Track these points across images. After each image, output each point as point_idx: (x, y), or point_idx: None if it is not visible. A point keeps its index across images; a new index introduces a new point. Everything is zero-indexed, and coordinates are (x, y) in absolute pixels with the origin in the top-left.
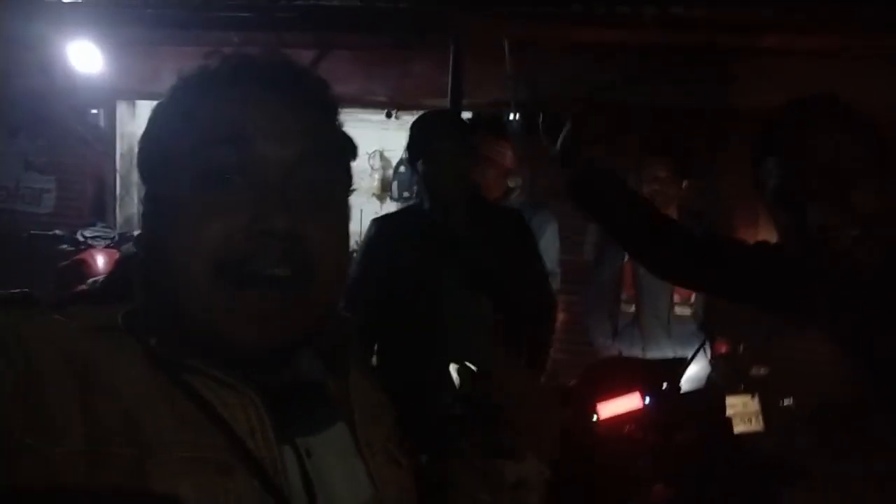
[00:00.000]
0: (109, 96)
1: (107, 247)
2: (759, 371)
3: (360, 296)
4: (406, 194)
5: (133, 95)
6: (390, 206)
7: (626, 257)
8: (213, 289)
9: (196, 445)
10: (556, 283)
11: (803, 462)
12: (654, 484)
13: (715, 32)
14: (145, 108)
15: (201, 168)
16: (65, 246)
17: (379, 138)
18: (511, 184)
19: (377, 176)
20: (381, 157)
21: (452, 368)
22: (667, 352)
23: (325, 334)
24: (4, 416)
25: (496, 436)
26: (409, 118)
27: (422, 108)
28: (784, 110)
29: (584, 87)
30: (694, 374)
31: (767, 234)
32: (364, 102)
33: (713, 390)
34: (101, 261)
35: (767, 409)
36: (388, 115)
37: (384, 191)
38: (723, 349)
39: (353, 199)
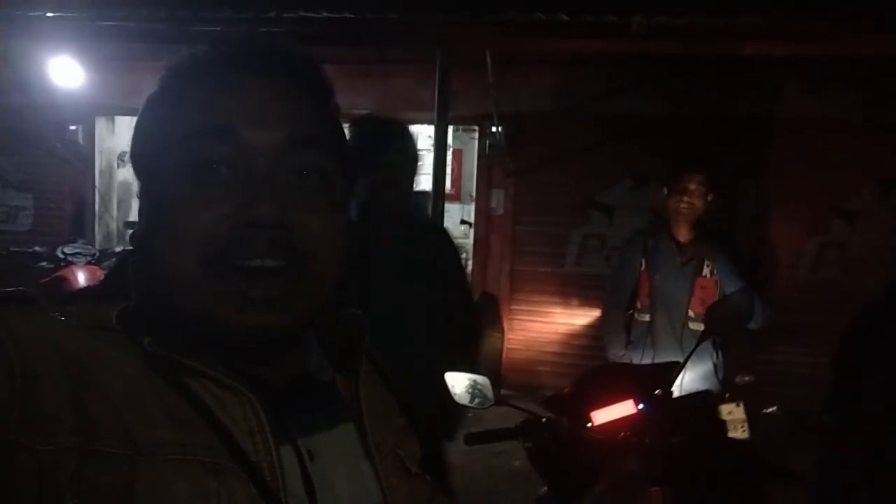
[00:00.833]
0: (89, 112)
1: (87, 263)
2: (744, 379)
3: None
4: None
5: (113, 111)
6: None
7: (643, 265)
8: (204, 280)
9: (189, 446)
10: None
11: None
12: (652, 485)
13: (701, 41)
14: (124, 123)
15: (188, 159)
16: (44, 263)
17: None
18: None
19: None
20: None
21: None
22: None
23: (334, 330)
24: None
25: None
26: None
27: (405, 123)
28: None
29: (567, 99)
30: (698, 377)
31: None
32: (347, 116)
33: (705, 394)
34: (81, 277)
35: (753, 418)
36: None
37: None
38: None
39: None
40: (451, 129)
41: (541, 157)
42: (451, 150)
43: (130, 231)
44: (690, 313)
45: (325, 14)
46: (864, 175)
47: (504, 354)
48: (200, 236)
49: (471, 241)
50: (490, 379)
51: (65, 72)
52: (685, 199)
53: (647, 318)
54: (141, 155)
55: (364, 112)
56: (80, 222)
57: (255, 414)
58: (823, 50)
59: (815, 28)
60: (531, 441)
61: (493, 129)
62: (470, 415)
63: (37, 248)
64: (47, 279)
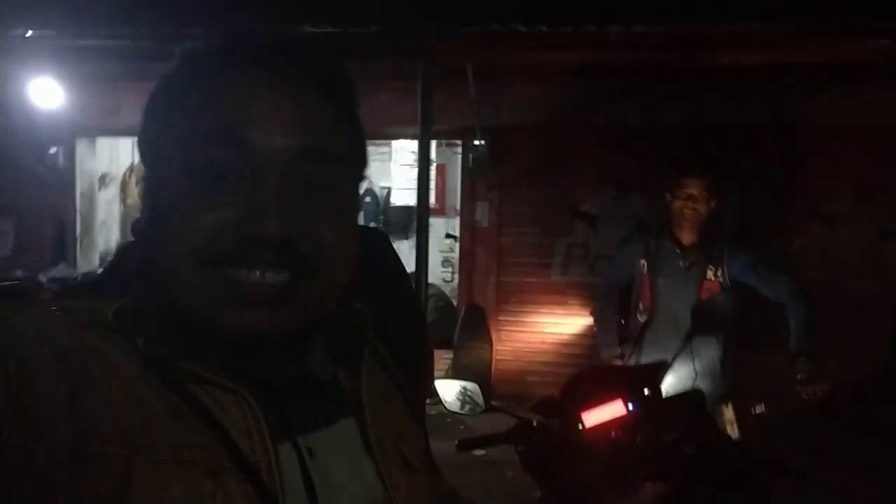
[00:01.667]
0: (69, 133)
1: None
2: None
3: None
4: (373, 224)
5: (94, 132)
6: None
7: (645, 267)
8: (203, 282)
9: (185, 446)
10: None
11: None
12: (645, 482)
13: (680, 49)
14: (105, 145)
15: (193, 160)
16: None
17: None
18: None
19: None
20: None
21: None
22: None
23: (335, 325)
24: None
25: None
26: (373, 148)
27: (388, 138)
28: None
29: (549, 111)
30: (704, 375)
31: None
32: None
33: (694, 392)
34: None
35: (741, 417)
36: None
37: None
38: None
39: None
40: (434, 144)
41: (523, 168)
42: (435, 164)
43: (133, 221)
44: None
45: (308, 28)
46: (842, 180)
47: (493, 365)
48: (200, 240)
49: (456, 254)
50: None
51: (45, 93)
52: (687, 205)
53: (646, 319)
54: (148, 142)
55: None
56: (61, 246)
57: (253, 414)
58: (800, 58)
59: (792, 36)
60: (523, 445)
61: (476, 141)
62: (462, 427)
63: (18, 273)
64: None
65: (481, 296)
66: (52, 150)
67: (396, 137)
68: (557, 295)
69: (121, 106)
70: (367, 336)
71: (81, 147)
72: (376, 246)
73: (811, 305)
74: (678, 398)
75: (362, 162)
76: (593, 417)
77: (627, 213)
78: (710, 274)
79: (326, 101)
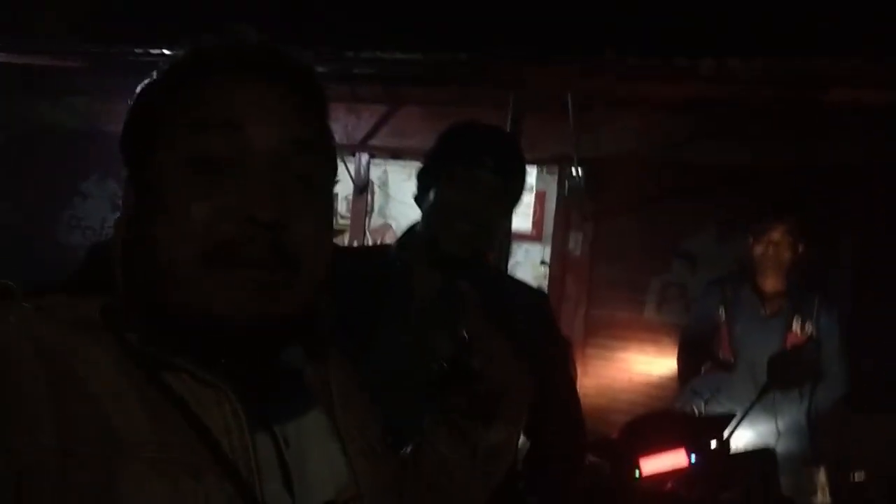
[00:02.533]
0: None
1: None
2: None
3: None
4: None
5: None
6: None
7: (723, 316)
8: (201, 271)
9: (167, 446)
10: None
11: None
12: None
13: (776, 85)
14: None
15: (189, 153)
16: None
17: None
18: None
19: None
20: None
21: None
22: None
23: (306, 318)
24: None
25: (474, 398)
26: None
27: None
28: None
29: (649, 144)
30: (786, 432)
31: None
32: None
33: (763, 451)
34: None
35: (837, 484)
36: None
37: None
38: None
39: None
40: (535, 170)
41: (621, 201)
42: (535, 191)
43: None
44: None
45: (398, 55)
46: None
47: None
48: (200, 230)
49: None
50: None
51: None
52: (769, 250)
53: (725, 369)
54: (133, 143)
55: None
56: None
57: (233, 411)
58: None
59: None
60: None
61: (573, 171)
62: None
63: None
64: None
65: (569, 326)
66: None
67: None
68: (650, 333)
69: None
70: (330, 328)
71: None
72: (545, 311)
73: None
74: (745, 455)
75: (335, 166)
76: (652, 465)
77: (729, 256)
78: (795, 325)
79: (308, 104)
